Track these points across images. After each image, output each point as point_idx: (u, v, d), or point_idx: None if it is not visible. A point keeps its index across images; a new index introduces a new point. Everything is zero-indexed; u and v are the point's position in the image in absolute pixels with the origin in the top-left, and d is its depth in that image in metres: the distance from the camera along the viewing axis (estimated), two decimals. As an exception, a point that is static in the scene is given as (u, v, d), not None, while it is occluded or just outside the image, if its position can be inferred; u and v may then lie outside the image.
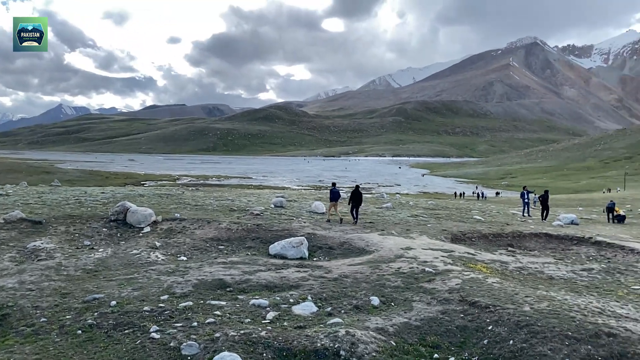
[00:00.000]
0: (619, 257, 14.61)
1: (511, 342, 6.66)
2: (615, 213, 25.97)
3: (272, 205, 21.53)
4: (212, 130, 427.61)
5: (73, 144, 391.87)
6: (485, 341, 6.89)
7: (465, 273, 10.32)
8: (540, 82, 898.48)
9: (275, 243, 13.37)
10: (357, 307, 8.23)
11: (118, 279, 9.79)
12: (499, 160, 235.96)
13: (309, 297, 8.65)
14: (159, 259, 11.96)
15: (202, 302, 8.29)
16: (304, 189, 65.76)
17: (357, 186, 19.60)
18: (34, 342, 6.65)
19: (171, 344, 6.39)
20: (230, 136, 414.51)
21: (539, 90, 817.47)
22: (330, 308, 8.16)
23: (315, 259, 12.96)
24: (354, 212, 18.48)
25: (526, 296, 8.46)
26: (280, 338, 6.54)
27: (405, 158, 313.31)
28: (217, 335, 6.60)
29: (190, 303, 8.14)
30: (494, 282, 9.54)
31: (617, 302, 8.70)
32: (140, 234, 14.78)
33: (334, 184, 20.19)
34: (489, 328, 7.19)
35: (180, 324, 7.15)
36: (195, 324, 7.13)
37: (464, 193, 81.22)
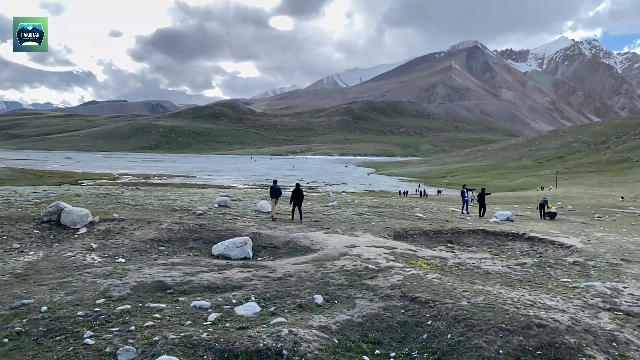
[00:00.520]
0: (549, 252, 15.51)
1: (449, 335, 6.89)
2: (547, 210, 27.47)
3: (216, 205, 21.20)
4: (154, 128, 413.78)
5: (4, 141, 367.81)
6: (425, 336, 7.09)
7: (407, 269, 10.58)
8: (480, 85, 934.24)
9: (219, 243, 13.16)
10: (300, 306, 8.24)
11: (50, 283, 9.28)
12: (440, 159, 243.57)
13: (252, 297, 8.57)
14: (95, 261, 11.47)
15: (140, 305, 8.02)
16: (250, 188, 65.13)
17: (298, 184, 19.77)
18: (-47, 353, 6.19)
19: (107, 350, 6.13)
20: (174, 134, 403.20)
21: (479, 92, 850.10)
22: (273, 308, 8.12)
23: (259, 258, 12.87)
24: (295, 210, 18.79)
25: (464, 291, 8.77)
26: (221, 339, 6.43)
27: (352, 157, 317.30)
28: (156, 338, 6.40)
29: (128, 306, 7.85)
30: (434, 278, 9.84)
31: (547, 294, 9.21)
32: (76, 236, 14.13)
33: (275, 182, 20.18)
34: (428, 323, 7.40)
35: (117, 329, 6.88)
36: (133, 328, 6.88)
37: (407, 191, 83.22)
